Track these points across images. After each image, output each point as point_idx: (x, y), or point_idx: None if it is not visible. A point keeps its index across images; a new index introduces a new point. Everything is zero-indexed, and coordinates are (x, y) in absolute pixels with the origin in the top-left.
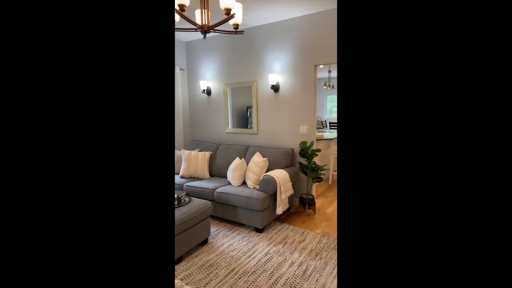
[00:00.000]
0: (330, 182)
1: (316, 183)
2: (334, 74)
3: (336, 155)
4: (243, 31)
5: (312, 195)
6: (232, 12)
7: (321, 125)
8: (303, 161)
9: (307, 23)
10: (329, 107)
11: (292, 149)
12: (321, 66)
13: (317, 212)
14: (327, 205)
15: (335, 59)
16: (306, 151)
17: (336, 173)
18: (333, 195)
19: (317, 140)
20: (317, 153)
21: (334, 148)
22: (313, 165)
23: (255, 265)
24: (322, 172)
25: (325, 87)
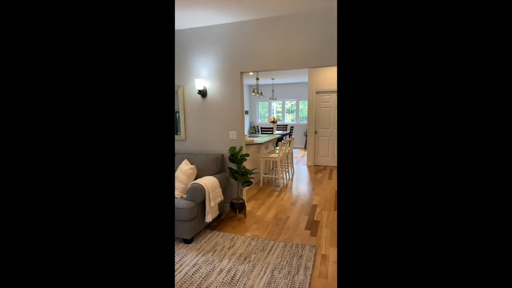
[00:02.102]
0: (261, 185)
1: (247, 187)
2: (262, 81)
3: (265, 158)
4: None
5: (242, 199)
6: None
7: (254, 130)
8: (233, 166)
9: (234, 30)
10: (261, 113)
11: (222, 155)
12: (251, 74)
13: (247, 215)
14: (258, 207)
15: (261, 67)
16: (236, 156)
17: (266, 175)
18: (263, 197)
19: (248, 144)
20: (246, 157)
21: (264, 151)
22: (242, 170)
23: (181, 278)
24: (251, 176)
25: (253, 93)
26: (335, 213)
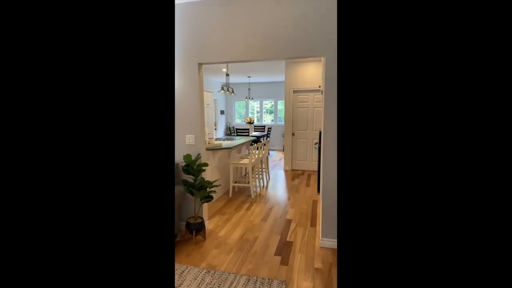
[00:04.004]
0: (230, 195)
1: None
2: (237, 79)
3: (235, 165)
4: None
5: (201, 218)
6: None
7: (230, 131)
8: (189, 178)
9: (189, 12)
10: (241, 113)
11: (177, 164)
12: (224, 70)
13: (208, 236)
14: (222, 225)
15: (224, 58)
16: (191, 166)
17: (236, 184)
18: (231, 211)
19: (214, 149)
20: (204, 167)
21: (236, 156)
22: (200, 183)
23: None
24: (213, 189)
25: (222, 91)
26: (311, 230)
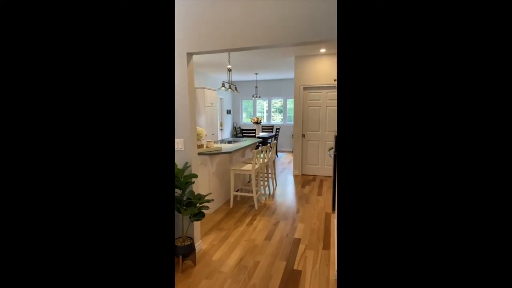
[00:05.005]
0: (231, 205)
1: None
2: (244, 77)
3: (236, 172)
4: None
5: (190, 239)
6: None
7: (236, 132)
8: (175, 192)
9: None
10: (251, 112)
11: None
12: (229, 66)
13: (200, 260)
14: (218, 244)
15: (219, 46)
16: (178, 177)
17: (238, 193)
18: (229, 227)
19: (213, 154)
20: (193, 179)
21: (239, 160)
22: (189, 198)
23: None
24: (204, 204)
25: (223, 88)
26: (324, 254)
